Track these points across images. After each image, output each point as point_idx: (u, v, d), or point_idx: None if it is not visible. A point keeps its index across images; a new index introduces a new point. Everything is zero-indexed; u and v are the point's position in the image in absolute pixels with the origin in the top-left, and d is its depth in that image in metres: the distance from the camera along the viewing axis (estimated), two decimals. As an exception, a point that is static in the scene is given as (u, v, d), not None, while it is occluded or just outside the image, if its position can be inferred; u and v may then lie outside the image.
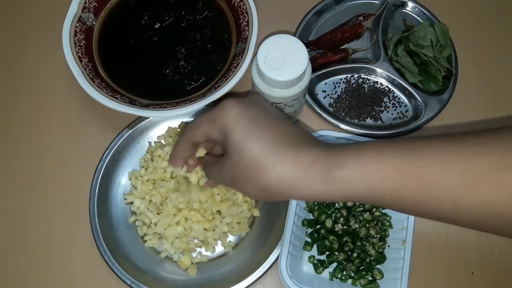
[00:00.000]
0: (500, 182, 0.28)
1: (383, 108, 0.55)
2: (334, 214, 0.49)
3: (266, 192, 0.33)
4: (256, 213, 0.50)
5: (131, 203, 0.50)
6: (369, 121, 0.55)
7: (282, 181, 0.32)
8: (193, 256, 0.49)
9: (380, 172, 0.30)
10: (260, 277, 0.46)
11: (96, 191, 0.49)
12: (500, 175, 0.28)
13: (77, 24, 0.52)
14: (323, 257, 0.48)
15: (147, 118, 0.52)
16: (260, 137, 0.33)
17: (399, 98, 0.55)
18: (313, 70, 0.53)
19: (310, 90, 0.55)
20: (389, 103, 0.55)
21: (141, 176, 0.51)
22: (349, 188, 0.31)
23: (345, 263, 0.47)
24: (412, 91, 0.54)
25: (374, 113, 0.55)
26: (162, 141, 0.53)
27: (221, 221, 0.49)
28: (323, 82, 0.56)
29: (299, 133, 0.35)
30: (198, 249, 0.50)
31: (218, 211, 0.49)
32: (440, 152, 0.29)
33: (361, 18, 0.56)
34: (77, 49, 0.51)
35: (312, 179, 0.31)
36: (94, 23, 0.55)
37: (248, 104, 0.36)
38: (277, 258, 0.46)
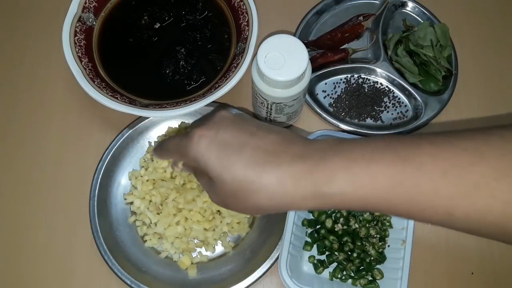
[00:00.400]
0: (495, 190, 0.27)
1: (383, 108, 0.55)
2: (334, 214, 0.49)
3: (259, 212, 0.33)
4: (256, 213, 0.50)
5: (131, 203, 0.50)
6: (369, 121, 0.55)
7: (272, 202, 0.31)
8: (193, 256, 0.49)
9: (373, 185, 0.29)
10: (260, 277, 0.46)
11: (96, 191, 0.49)
12: (494, 183, 0.27)
13: (77, 24, 0.52)
14: (323, 257, 0.48)
15: (147, 118, 0.52)
16: (237, 163, 0.32)
17: (399, 98, 0.55)
18: (313, 70, 0.53)
19: (310, 90, 0.55)
20: (389, 103, 0.55)
21: (141, 176, 0.51)
22: (341, 200, 0.30)
23: (345, 263, 0.47)
24: (412, 91, 0.54)
25: (374, 113, 0.55)
26: (162, 141, 0.53)
27: (221, 221, 0.49)
28: (323, 82, 0.56)
29: (276, 145, 0.32)
30: (198, 249, 0.50)
31: (218, 211, 0.49)
32: (434, 160, 0.29)
33: (361, 18, 0.56)
34: (77, 49, 0.51)
35: (302, 195, 0.31)
36: (94, 23, 0.55)
37: (216, 130, 0.34)
38: (277, 258, 0.46)
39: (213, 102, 0.49)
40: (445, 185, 0.28)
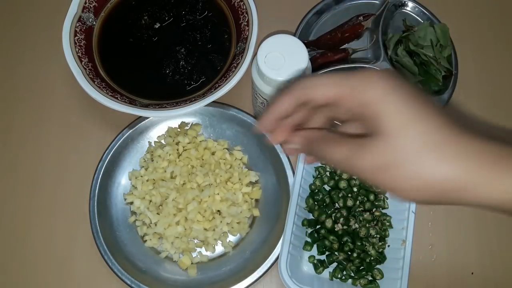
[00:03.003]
0: None
1: (383, 108, 0.55)
2: (334, 214, 0.49)
3: (425, 192, 0.27)
4: (256, 213, 0.50)
5: (131, 203, 0.50)
6: (369, 121, 0.55)
7: (456, 179, 0.26)
8: (193, 256, 0.49)
9: None
10: (260, 277, 0.46)
11: (96, 191, 0.49)
12: None
13: (77, 24, 0.52)
14: (323, 257, 0.48)
15: (147, 118, 0.52)
16: (424, 122, 0.26)
17: (399, 98, 0.55)
18: (313, 70, 0.53)
19: (310, 90, 0.55)
20: (389, 103, 0.55)
21: (141, 176, 0.51)
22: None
23: (345, 263, 0.47)
24: (412, 91, 0.54)
25: (374, 113, 0.55)
26: (162, 141, 0.53)
27: (221, 221, 0.49)
28: (323, 82, 0.56)
29: (454, 120, 0.27)
30: (198, 249, 0.50)
31: (218, 211, 0.49)
32: None
33: (361, 18, 0.56)
34: (77, 49, 0.51)
35: (495, 181, 0.25)
36: (94, 23, 0.55)
37: (400, 80, 0.28)
38: (277, 258, 0.46)
39: (213, 102, 0.49)
40: None
